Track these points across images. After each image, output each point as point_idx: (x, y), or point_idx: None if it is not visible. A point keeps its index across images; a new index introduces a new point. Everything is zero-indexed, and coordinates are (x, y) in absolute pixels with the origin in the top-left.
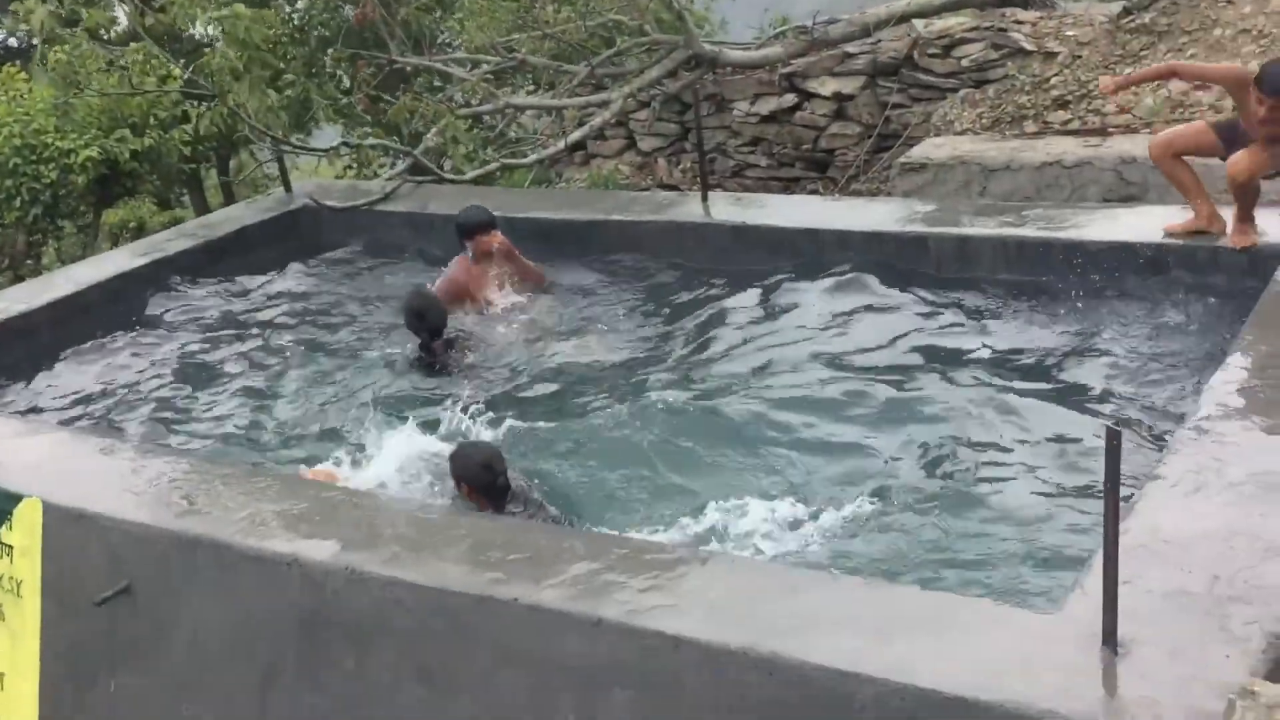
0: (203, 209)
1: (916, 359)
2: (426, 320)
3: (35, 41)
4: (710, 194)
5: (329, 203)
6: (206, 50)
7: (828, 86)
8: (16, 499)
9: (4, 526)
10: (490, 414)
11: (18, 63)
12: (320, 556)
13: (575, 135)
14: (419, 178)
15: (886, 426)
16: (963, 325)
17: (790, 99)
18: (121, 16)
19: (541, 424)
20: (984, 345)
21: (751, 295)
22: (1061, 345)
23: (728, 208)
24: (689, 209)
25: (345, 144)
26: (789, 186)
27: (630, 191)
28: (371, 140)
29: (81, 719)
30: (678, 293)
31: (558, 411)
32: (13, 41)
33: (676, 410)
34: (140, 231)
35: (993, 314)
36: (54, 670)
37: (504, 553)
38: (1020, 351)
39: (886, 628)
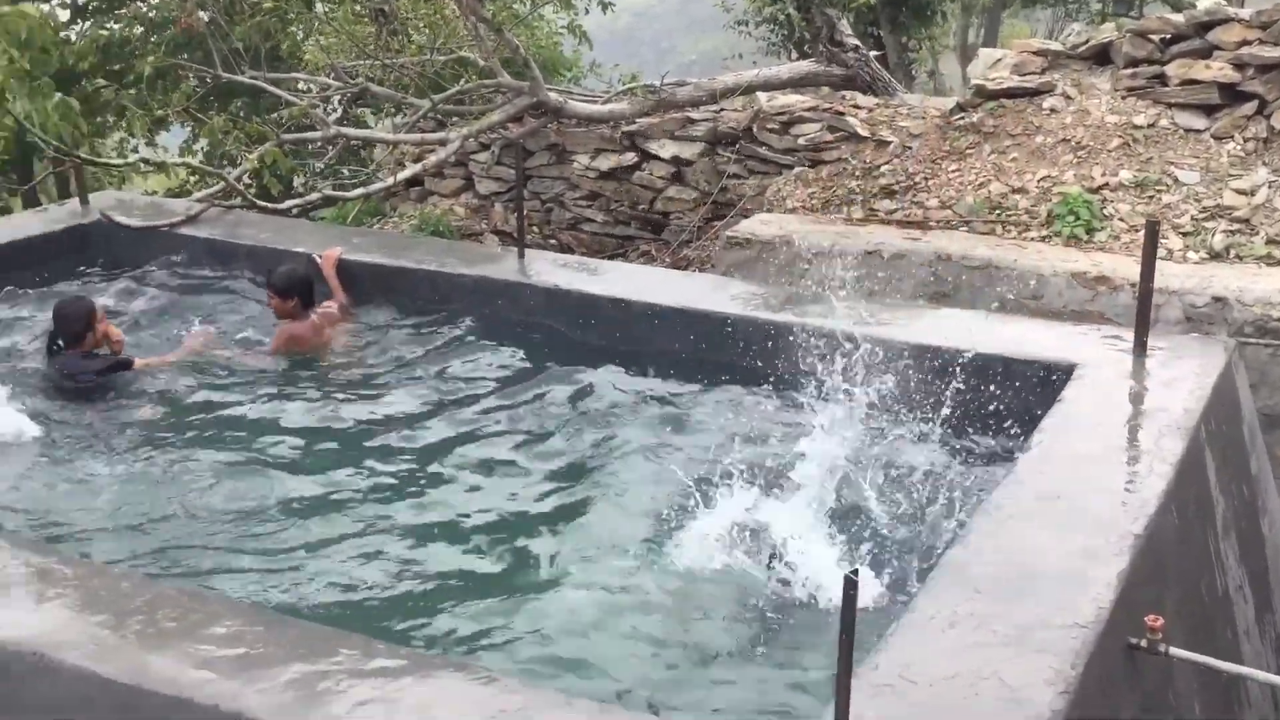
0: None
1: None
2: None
3: None
4: (529, 252)
5: (125, 220)
6: None
7: (667, 149)
8: None
9: None
10: None
11: None
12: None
13: (405, 173)
14: (230, 202)
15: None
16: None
17: (631, 158)
18: None
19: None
20: None
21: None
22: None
23: (544, 268)
24: (504, 265)
25: (145, 161)
26: (622, 245)
27: (449, 240)
28: (178, 159)
29: None
30: (475, 352)
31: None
32: None
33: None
34: None
35: None
36: None
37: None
38: None
39: None
